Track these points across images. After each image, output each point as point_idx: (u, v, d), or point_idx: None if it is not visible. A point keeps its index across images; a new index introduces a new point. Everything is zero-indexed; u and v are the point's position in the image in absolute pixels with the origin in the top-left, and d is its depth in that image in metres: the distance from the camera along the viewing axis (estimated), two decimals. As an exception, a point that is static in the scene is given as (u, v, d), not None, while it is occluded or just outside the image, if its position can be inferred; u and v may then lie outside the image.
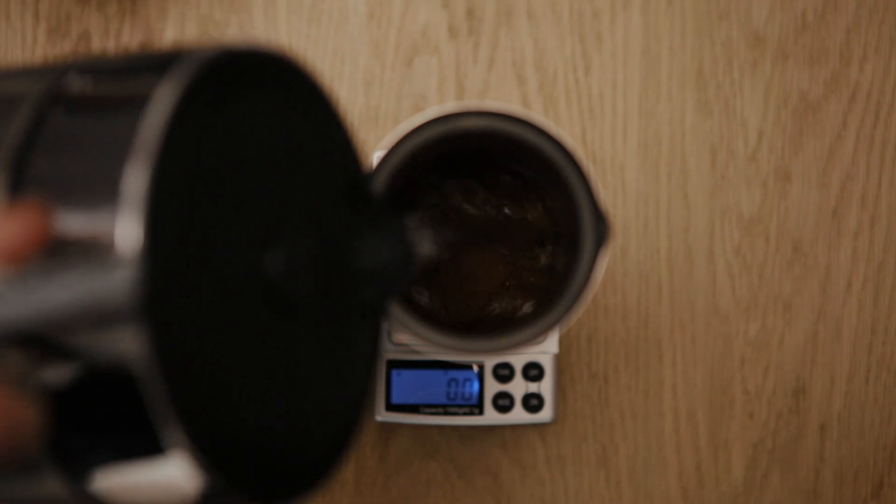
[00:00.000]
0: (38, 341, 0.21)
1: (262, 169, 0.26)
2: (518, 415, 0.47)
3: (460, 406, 0.48)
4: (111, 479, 0.22)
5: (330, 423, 0.27)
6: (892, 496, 0.53)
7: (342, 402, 0.28)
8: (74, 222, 0.21)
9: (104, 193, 0.20)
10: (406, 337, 0.47)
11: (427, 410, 0.48)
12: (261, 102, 0.25)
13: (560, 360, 0.51)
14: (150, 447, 0.21)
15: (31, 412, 0.21)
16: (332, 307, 0.28)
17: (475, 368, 0.47)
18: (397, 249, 0.29)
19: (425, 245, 0.30)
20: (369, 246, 0.29)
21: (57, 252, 0.21)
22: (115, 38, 0.52)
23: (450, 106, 0.43)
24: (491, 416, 0.47)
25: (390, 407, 0.48)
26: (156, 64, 0.23)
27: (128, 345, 0.20)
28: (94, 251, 0.20)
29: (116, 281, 0.20)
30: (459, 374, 0.48)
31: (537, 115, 0.52)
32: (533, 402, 0.47)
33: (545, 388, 0.47)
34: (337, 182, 0.29)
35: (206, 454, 0.21)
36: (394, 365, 0.48)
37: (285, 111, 0.26)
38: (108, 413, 0.22)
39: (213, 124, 0.23)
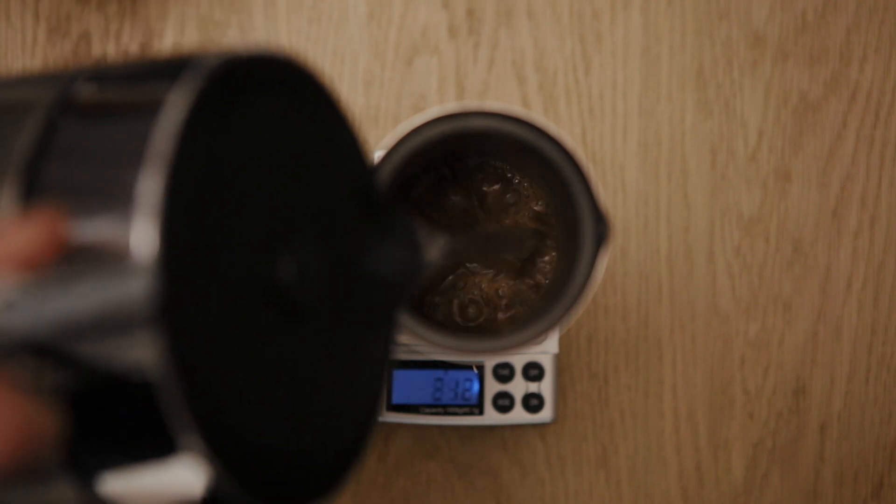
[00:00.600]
0: (55, 348, 0.21)
1: (272, 173, 0.26)
2: (518, 415, 0.47)
3: (460, 406, 0.48)
4: (122, 483, 0.22)
5: (342, 428, 0.27)
6: (892, 496, 0.53)
7: (354, 408, 0.28)
8: (88, 229, 0.21)
9: (118, 200, 0.20)
10: (406, 337, 0.46)
11: (427, 410, 0.48)
12: (269, 107, 0.25)
13: (560, 360, 0.51)
14: (161, 452, 0.21)
15: (49, 419, 0.21)
16: (343, 312, 0.28)
17: (475, 368, 0.47)
18: (406, 254, 0.29)
19: (433, 250, 0.30)
20: (379, 250, 0.29)
21: (71, 259, 0.21)
22: (115, 38, 0.52)
23: (450, 106, 0.43)
24: (491, 416, 0.47)
25: (390, 407, 0.48)
26: (166, 70, 0.23)
27: (144, 351, 0.20)
28: (109, 258, 0.20)
29: (133, 288, 0.20)
30: (459, 374, 0.48)
31: (537, 115, 0.52)
32: (533, 402, 0.47)
33: (545, 388, 0.47)
34: (346, 186, 0.29)
35: (220, 458, 0.21)
36: (394, 365, 0.48)
37: (293, 116, 0.27)
38: (121, 418, 0.22)
39: (222, 130, 0.23)
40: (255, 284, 0.24)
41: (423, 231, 0.30)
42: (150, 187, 0.20)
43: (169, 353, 0.20)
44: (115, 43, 0.52)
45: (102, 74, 0.25)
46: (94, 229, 0.21)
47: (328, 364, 0.27)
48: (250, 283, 0.24)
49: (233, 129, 0.24)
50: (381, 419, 0.47)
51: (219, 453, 0.21)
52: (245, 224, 0.24)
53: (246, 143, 0.25)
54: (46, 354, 0.21)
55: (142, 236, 0.20)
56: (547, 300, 0.45)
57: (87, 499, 0.22)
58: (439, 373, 0.48)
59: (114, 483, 0.22)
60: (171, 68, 0.23)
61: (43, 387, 0.21)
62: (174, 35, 0.52)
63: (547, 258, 0.46)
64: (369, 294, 0.29)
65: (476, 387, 0.47)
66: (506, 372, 0.47)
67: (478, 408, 0.47)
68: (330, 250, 0.27)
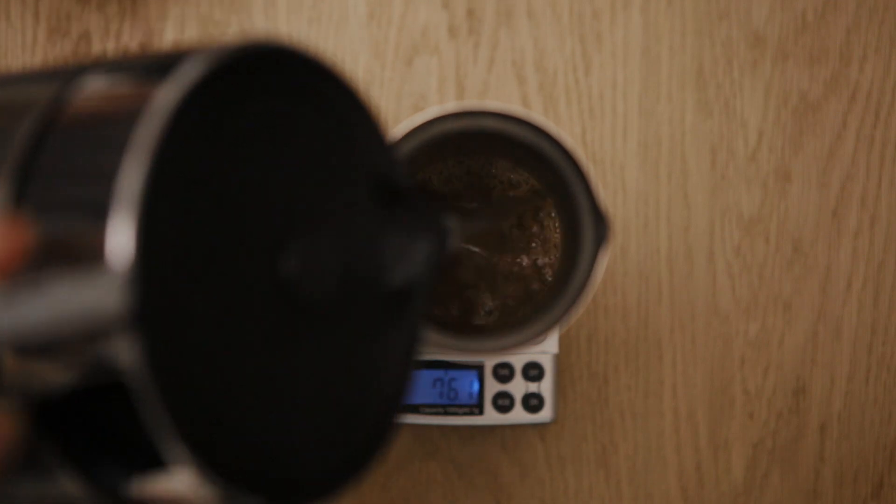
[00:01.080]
0: (31, 353, 0.20)
1: (276, 166, 0.25)
2: (518, 415, 0.47)
3: (460, 406, 0.48)
4: (123, 481, 0.22)
5: (361, 424, 0.26)
6: (892, 496, 0.53)
7: (374, 405, 0.27)
8: (71, 232, 0.21)
9: (99, 201, 0.20)
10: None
11: (427, 410, 0.48)
12: (273, 99, 0.25)
13: (560, 360, 0.51)
14: (156, 454, 0.21)
15: (10, 427, 0.20)
16: (362, 306, 0.27)
17: (475, 368, 0.47)
18: (431, 240, 0.28)
19: (457, 234, 0.29)
20: (403, 238, 0.28)
21: (48, 264, 0.20)
22: (115, 38, 0.52)
23: (450, 106, 0.43)
24: (491, 416, 0.47)
25: (390, 407, 0.48)
26: (161, 67, 0.23)
27: (121, 357, 0.19)
28: (87, 261, 0.20)
29: (106, 292, 0.19)
30: (459, 374, 0.48)
31: (537, 115, 0.52)
32: (533, 402, 0.47)
33: (545, 388, 0.47)
34: (365, 174, 0.28)
35: (212, 463, 0.21)
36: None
37: (302, 106, 0.26)
38: (116, 423, 0.21)
39: (217, 124, 0.23)
40: (255, 280, 0.23)
41: (447, 216, 0.29)
42: (128, 186, 0.20)
43: (146, 358, 0.19)
44: (116, 43, 0.52)
45: (105, 70, 0.24)
46: (75, 232, 0.20)
47: (343, 360, 0.26)
48: (250, 279, 0.23)
49: (230, 123, 0.23)
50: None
51: (208, 457, 0.20)
52: (248, 219, 0.24)
53: (246, 136, 0.24)
54: (20, 358, 0.20)
55: (117, 237, 0.19)
56: (547, 300, 0.45)
57: (92, 494, 0.22)
58: (439, 373, 0.48)
59: (114, 481, 0.22)
60: (166, 65, 0.22)
61: (14, 392, 0.21)
62: (174, 35, 0.52)
63: (535, 243, 0.46)
64: (393, 285, 0.28)
65: (476, 387, 0.47)
66: (506, 372, 0.47)
67: (478, 408, 0.47)
68: (343, 242, 0.27)
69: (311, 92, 0.26)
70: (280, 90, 0.25)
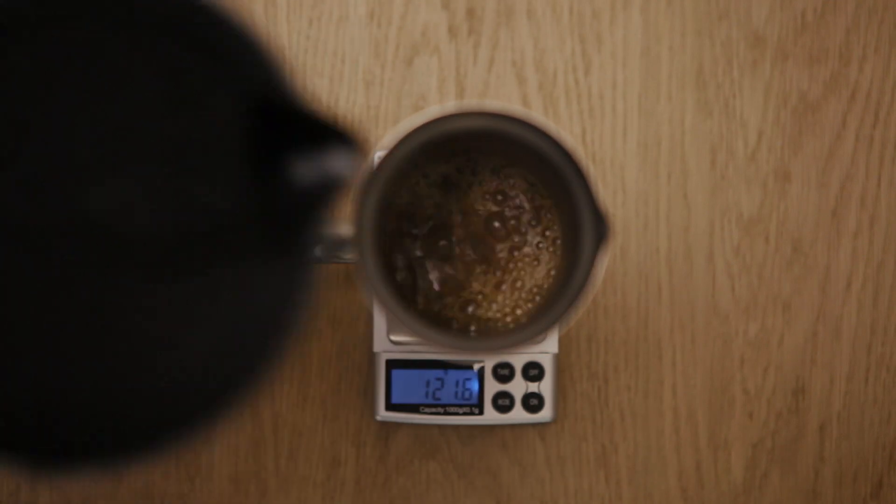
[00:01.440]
0: None
1: (101, 100, 0.22)
2: (518, 414, 0.48)
3: (460, 406, 0.48)
4: None
5: (226, 361, 0.24)
6: (892, 496, 0.53)
7: (245, 338, 0.24)
8: None
9: None
10: (406, 336, 0.47)
11: (427, 410, 0.48)
12: (107, 29, 0.22)
13: (560, 360, 0.51)
14: None
15: None
16: (230, 237, 0.24)
17: (475, 368, 0.48)
18: (324, 157, 0.24)
19: (350, 160, 0.26)
20: (288, 158, 0.24)
21: None
22: (115, 37, 0.52)
23: (450, 106, 0.43)
24: (491, 415, 0.47)
25: (390, 407, 0.48)
26: None
27: None
28: None
29: None
30: (459, 374, 0.48)
31: (537, 115, 0.52)
32: (533, 402, 0.47)
33: (545, 387, 0.47)
34: (242, 100, 0.24)
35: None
36: (394, 365, 0.48)
37: (148, 37, 0.23)
38: None
39: (11, 54, 0.20)
40: (59, 224, 0.21)
41: (347, 134, 0.25)
42: None
43: None
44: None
45: None
46: None
47: (203, 297, 0.24)
48: (51, 224, 0.21)
49: (27, 55, 0.21)
50: (380, 419, 0.47)
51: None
52: (45, 159, 0.21)
53: (53, 68, 0.21)
54: None
55: None
56: (547, 300, 0.45)
57: None
58: (439, 373, 0.48)
59: None
60: None
61: None
62: (174, 35, 0.52)
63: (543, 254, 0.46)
64: (275, 207, 0.24)
65: (476, 387, 0.48)
66: (506, 372, 0.47)
67: (478, 407, 0.48)
68: (194, 174, 0.24)
69: (158, 21, 0.23)
70: (116, 18, 0.22)
